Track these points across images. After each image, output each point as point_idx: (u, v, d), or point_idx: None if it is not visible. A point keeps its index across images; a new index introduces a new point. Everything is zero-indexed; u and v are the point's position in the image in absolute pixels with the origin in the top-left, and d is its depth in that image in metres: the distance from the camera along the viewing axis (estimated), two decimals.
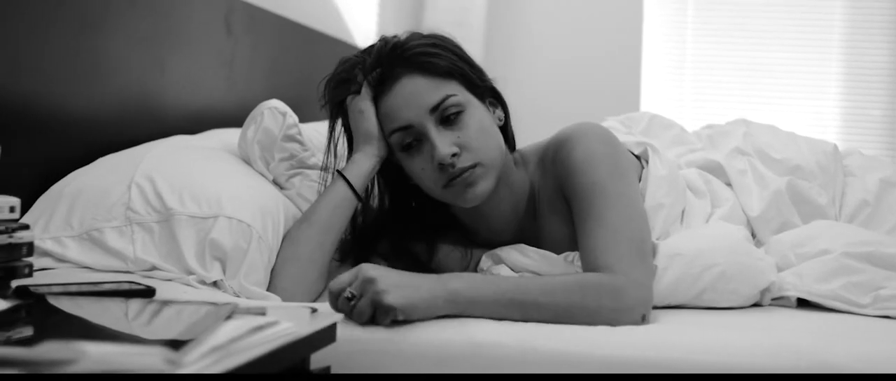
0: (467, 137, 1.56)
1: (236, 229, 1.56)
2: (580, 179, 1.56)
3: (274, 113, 1.80)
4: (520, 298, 1.39)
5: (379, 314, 1.33)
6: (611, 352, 1.31)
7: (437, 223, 1.75)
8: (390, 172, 1.68)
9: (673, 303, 1.57)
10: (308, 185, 1.80)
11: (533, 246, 1.66)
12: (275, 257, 1.61)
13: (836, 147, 1.93)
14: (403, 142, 1.59)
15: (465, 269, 1.71)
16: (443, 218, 1.75)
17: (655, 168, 1.70)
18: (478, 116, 1.60)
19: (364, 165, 1.64)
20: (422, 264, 1.73)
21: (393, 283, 1.33)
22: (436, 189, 1.59)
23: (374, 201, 1.75)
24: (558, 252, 1.64)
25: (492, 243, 1.71)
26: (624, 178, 1.57)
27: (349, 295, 1.33)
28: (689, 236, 1.63)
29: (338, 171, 1.66)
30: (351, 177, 1.63)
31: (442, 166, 1.55)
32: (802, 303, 1.62)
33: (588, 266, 1.48)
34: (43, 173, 1.68)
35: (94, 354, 0.79)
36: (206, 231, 1.55)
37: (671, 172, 1.71)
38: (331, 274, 1.64)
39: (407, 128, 1.58)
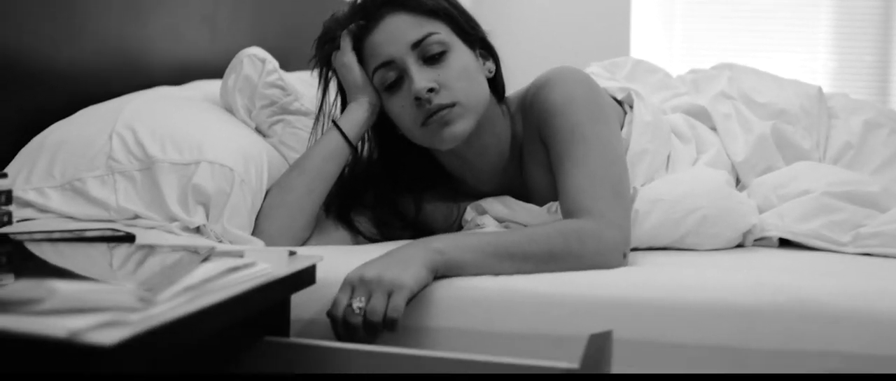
0: (448, 76, 1.55)
1: (219, 174, 1.56)
2: (558, 121, 1.55)
3: (253, 60, 1.80)
4: (504, 249, 1.38)
5: (396, 299, 1.26)
6: (589, 292, 1.31)
7: (424, 175, 1.75)
8: (381, 124, 1.68)
9: (656, 245, 1.58)
10: (291, 131, 1.80)
11: (519, 196, 1.66)
12: (258, 201, 1.61)
13: (820, 90, 1.93)
14: (386, 80, 1.58)
15: (450, 226, 1.72)
16: (430, 169, 1.74)
17: (640, 114, 1.69)
18: (463, 59, 1.58)
19: (358, 113, 1.63)
20: (405, 218, 1.73)
21: (390, 265, 1.30)
22: (414, 129, 1.58)
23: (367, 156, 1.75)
24: (541, 201, 1.64)
25: (478, 195, 1.71)
26: (602, 121, 1.56)
27: (360, 304, 1.26)
28: (672, 180, 1.64)
29: (332, 120, 1.66)
30: (345, 127, 1.63)
31: (419, 102, 1.53)
32: (784, 243, 1.63)
33: (566, 209, 1.48)
34: (24, 127, 1.67)
35: (65, 291, 0.79)
36: (189, 177, 1.55)
37: (656, 117, 1.71)
38: (317, 224, 1.65)
39: (388, 63, 1.57)
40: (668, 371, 1.24)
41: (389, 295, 1.27)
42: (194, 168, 1.56)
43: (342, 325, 1.26)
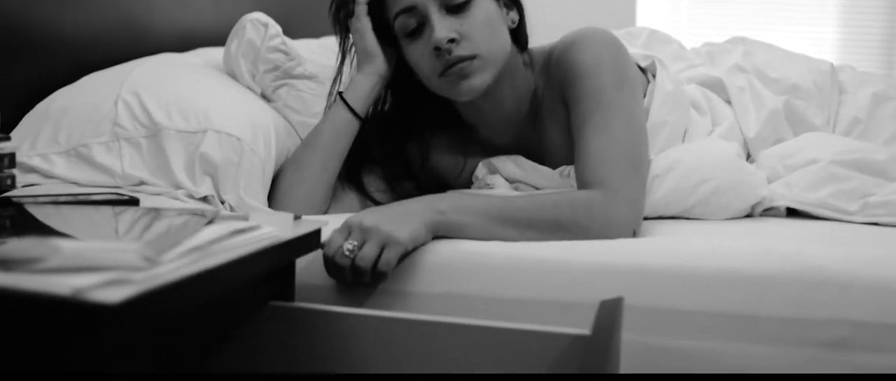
0: (470, 26, 1.53)
1: (226, 143, 1.55)
2: (584, 83, 1.51)
3: (255, 25, 1.79)
4: (509, 215, 1.37)
5: (388, 253, 1.27)
6: (599, 259, 1.30)
7: (438, 119, 1.72)
8: (398, 70, 1.65)
9: (665, 215, 1.57)
10: (295, 95, 1.79)
11: (532, 153, 1.65)
12: (269, 169, 1.60)
13: (832, 66, 1.91)
14: (406, 26, 1.56)
15: (456, 176, 1.70)
16: (444, 115, 1.72)
17: (663, 83, 1.67)
18: (486, 9, 1.55)
19: (363, 85, 1.63)
20: (411, 167, 1.71)
21: (390, 218, 1.30)
22: (432, 78, 1.56)
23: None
24: (555, 162, 1.63)
25: (490, 146, 1.69)
26: (627, 88, 1.53)
27: (351, 247, 1.27)
28: (686, 149, 1.62)
29: (339, 93, 1.65)
30: (351, 100, 1.62)
31: (438, 51, 1.52)
32: (792, 213, 1.62)
33: (581, 176, 1.46)
34: (29, 94, 1.66)
35: (69, 250, 0.78)
36: (196, 146, 1.55)
37: (677, 87, 1.69)
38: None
39: (410, 9, 1.55)
40: (677, 338, 1.23)
41: (383, 248, 1.27)
42: (201, 137, 1.55)
43: (331, 263, 1.28)
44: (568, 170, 1.59)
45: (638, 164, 1.47)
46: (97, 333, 0.74)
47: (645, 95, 1.65)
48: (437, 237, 1.36)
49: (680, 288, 1.25)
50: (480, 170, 1.66)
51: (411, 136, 1.72)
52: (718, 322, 1.23)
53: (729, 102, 1.81)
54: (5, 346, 0.75)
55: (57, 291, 0.73)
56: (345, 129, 1.62)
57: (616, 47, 1.57)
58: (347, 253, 1.26)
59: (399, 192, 1.69)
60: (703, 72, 1.87)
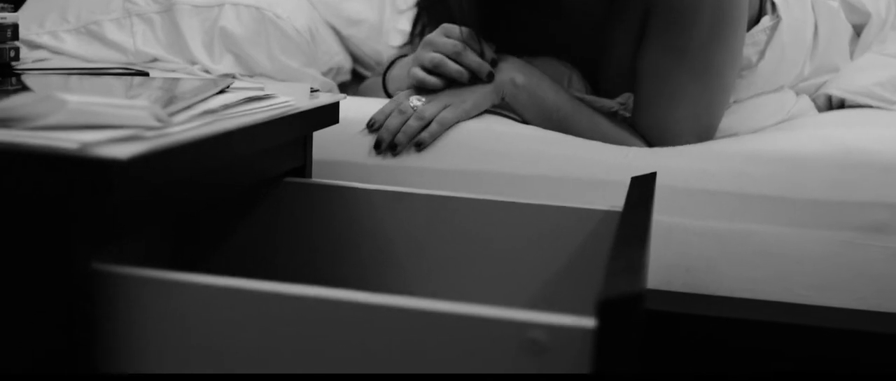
0: None
1: (245, 15, 1.50)
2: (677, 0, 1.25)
3: None
4: (567, 123, 1.30)
5: (448, 115, 1.26)
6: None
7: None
8: None
9: None
10: None
11: (588, 61, 1.43)
12: (300, 26, 1.54)
13: None
14: None
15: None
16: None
17: (782, 28, 1.40)
18: None
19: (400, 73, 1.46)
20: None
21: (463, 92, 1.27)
22: None
23: None
24: (614, 81, 1.40)
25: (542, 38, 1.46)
26: (732, 21, 1.27)
27: (418, 102, 1.26)
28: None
29: (383, 76, 1.49)
30: (392, 88, 1.46)
31: None
32: None
33: (641, 109, 1.31)
34: None
35: (77, 104, 0.74)
36: (213, 20, 1.50)
37: (801, 27, 1.46)
38: None
39: None
40: (709, 219, 1.19)
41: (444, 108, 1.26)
42: (217, 11, 1.50)
43: (393, 114, 1.26)
44: (626, 98, 1.37)
45: (709, 124, 1.30)
46: (105, 191, 0.70)
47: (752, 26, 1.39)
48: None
49: (714, 169, 1.21)
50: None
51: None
52: (752, 204, 1.19)
53: None
54: (5, 208, 0.70)
55: (63, 146, 0.69)
56: None
57: None
58: (412, 109, 1.25)
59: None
60: None
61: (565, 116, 1.30)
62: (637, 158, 1.23)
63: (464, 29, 1.28)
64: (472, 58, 1.28)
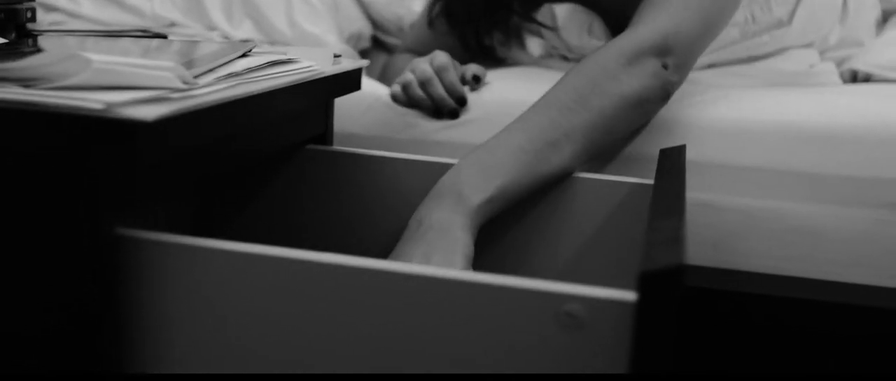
0: None
1: None
2: None
3: None
4: (540, 138, 1.05)
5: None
6: (660, 114, 1.22)
7: None
8: None
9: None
10: None
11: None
12: None
13: None
14: None
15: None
16: None
17: None
18: None
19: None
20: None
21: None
22: None
23: None
24: (619, 19, 1.33)
25: None
26: None
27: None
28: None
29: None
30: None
31: None
32: None
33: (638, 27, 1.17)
34: None
35: (101, 63, 0.71)
36: None
37: None
38: None
39: None
40: (742, 195, 1.17)
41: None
42: None
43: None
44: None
45: (703, 41, 1.20)
46: (130, 154, 0.68)
47: None
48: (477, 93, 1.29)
49: (745, 144, 1.18)
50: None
51: None
52: (783, 180, 1.16)
53: None
54: (28, 171, 0.68)
55: (88, 105, 0.66)
56: None
57: None
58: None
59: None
60: None
61: (530, 138, 1.04)
62: (668, 136, 1.20)
63: (448, 59, 1.29)
64: (437, 90, 1.27)
